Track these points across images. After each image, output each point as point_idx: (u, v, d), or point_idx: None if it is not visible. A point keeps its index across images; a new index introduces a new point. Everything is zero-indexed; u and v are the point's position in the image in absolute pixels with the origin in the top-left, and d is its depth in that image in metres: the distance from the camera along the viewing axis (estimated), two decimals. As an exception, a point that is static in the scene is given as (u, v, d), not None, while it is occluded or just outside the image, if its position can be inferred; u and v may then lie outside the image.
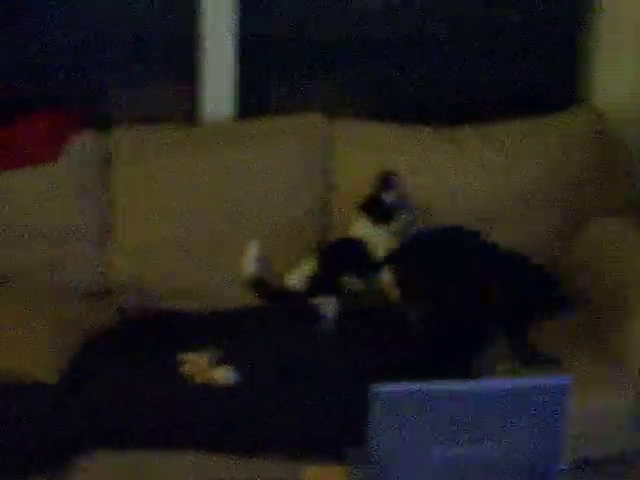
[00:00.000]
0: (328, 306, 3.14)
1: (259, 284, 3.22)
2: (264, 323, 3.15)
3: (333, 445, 2.50)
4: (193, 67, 3.56)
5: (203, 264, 3.32)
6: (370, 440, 2.03)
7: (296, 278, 3.21)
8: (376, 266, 3.21)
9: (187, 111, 3.59)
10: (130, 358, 2.92)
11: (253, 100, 3.65)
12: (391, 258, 3.14)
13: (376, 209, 3.22)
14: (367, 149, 3.41)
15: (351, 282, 3.21)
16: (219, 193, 3.33)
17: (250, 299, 3.25)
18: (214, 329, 3.09)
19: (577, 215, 3.44)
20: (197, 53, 3.54)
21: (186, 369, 2.85)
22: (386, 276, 3.20)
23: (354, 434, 2.28)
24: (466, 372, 2.74)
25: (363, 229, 3.24)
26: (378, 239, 3.22)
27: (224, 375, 2.82)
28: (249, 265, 3.21)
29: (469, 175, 3.42)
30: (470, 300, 2.95)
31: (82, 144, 3.35)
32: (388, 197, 3.22)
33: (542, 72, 3.76)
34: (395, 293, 3.18)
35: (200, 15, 3.49)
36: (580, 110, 3.61)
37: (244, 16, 3.54)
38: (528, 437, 2.02)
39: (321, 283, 3.18)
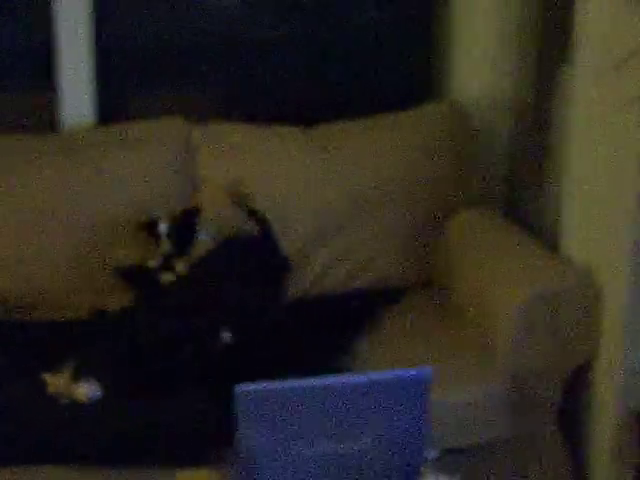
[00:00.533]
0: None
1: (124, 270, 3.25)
2: (124, 331, 3.11)
3: (205, 448, 2.50)
4: (51, 74, 3.51)
5: (64, 274, 3.28)
6: (238, 441, 2.02)
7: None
8: None
9: (47, 119, 3.54)
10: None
11: (113, 106, 3.62)
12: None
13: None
14: (229, 152, 3.40)
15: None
16: (80, 201, 3.28)
17: (111, 306, 3.22)
18: (72, 340, 3.04)
19: (439, 210, 3.49)
20: (54, 59, 3.48)
21: (50, 390, 2.79)
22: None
23: (225, 436, 2.29)
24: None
25: None
26: None
27: (85, 391, 2.77)
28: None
29: (331, 175, 3.43)
30: None
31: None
32: (161, 225, 3.23)
33: (398, 68, 3.82)
34: None
35: (55, 20, 3.44)
36: (436, 105, 3.65)
37: (101, 20, 3.51)
38: (395, 429, 2.05)
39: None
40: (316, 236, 3.39)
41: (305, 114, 3.67)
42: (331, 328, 3.14)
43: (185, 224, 3.23)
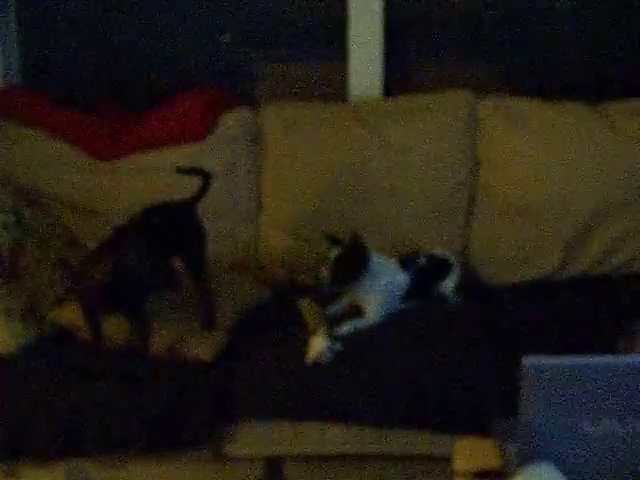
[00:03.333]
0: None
1: None
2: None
3: (480, 417, 2.51)
4: (341, 45, 3.62)
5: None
6: (521, 413, 2.02)
7: None
8: None
9: (337, 88, 3.66)
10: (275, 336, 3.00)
11: (399, 78, 3.69)
12: None
13: None
14: (515, 126, 3.38)
15: None
16: (367, 169, 3.36)
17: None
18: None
19: None
20: (345, 31, 3.58)
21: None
22: None
23: (501, 406, 2.29)
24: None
25: None
26: None
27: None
28: None
29: (617, 153, 3.34)
30: None
31: (233, 121, 3.44)
32: None
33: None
34: None
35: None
36: None
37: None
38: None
39: None
40: (599, 215, 3.33)
41: (589, 90, 3.60)
42: (611, 309, 3.08)
43: None
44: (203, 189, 3.05)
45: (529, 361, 1.96)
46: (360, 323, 3.01)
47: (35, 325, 2.99)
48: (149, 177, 3.36)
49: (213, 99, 3.46)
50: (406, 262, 3.15)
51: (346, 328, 2.96)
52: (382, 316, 3.04)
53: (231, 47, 3.75)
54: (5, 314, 2.93)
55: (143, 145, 3.38)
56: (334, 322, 2.98)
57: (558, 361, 1.98)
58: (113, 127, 3.43)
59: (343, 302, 3.10)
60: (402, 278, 3.11)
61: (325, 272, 2.97)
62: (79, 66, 3.77)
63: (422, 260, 3.19)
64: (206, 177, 3.05)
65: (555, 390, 1.99)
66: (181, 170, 3.05)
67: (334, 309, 3.09)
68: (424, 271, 3.17)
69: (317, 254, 3.16)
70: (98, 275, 2.67)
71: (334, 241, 3.01)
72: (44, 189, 3.38)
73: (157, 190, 3.26)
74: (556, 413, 2.00)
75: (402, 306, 3.11)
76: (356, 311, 3.06)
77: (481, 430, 2.43)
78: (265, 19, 3.71)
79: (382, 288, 3.05)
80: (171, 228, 2.93)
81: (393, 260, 3.13)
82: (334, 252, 2.98)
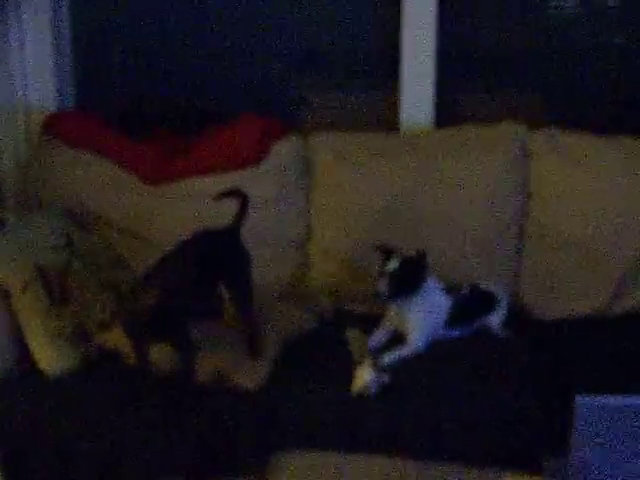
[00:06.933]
0: None
1: None
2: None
3: (528, 453, 2.48)
4: (394, 76, 3.62)
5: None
6: (573, 451, 2.00)
7: None
8: None
9: (388, 118, 3.66)
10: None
11: (450, 109, 3.68)
12: None
13: None
14: (567, 160, 3.36)
15: None
16: (418, 199, 3.34)
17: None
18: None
19: None
20: (398, 61, 3.58)
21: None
22: None
23: (550, 442, 2.26)
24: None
25: None
26: None
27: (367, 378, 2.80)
28: None
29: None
30: None
31: (284, 149, 3.45)
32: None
33: None
34: None
35: (401, 25, 3.54)
36: None
37: (443, 26, 3.57)
38: None
39: None
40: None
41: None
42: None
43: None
44: (242, 211, 3.05)
45: (582, 400, 1.95)
46: (404, 350, 2.99)
47: (82, 348, 2.99)
48: (198, 203, 3.36)
49: (267, 127, 3.46)
50: (448, 290, 3.14)
51: (391, 357, 2.94)
52: (425, 341, 3.03)
53: (283, 76, 3.77)
54: (53, 336, 2.94)
55: (195, 171, 3.40)
56: (378, 351, 2.95)
57: (611, 400, 1.96)
58: (165, 152, 3.46)
59: (386, 327, 3.09)
60: (444, 301, 3.10)
61: (382, 285, 2.94)
62: (132, 90, 3.81)
63: (465, 290, 3.17)
64: (243, 198, 3.05)
65: (608, 429, 1.97)
66: (219, 197, 3.04)
67: (377, 336, 3.07)
68: (466, 301, 3.15)
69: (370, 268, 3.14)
70: (145, 302, 2.66)
71: (387, 252, 3.01)
72: (93, 211, 3.41)
73: (205, 216, 3.24)
74: (608, 452, 1.98)
75: (444, 332, 3.09)
76: (400, 339, 3.04)
77: (528, 466, 2.41)
78: (317, 48, 3.74)
79: (427, 308, 3.04)
80: (216, 255, 2.93)
81: (438, 281, 3.11)
82: (392, 264, 2.96)
